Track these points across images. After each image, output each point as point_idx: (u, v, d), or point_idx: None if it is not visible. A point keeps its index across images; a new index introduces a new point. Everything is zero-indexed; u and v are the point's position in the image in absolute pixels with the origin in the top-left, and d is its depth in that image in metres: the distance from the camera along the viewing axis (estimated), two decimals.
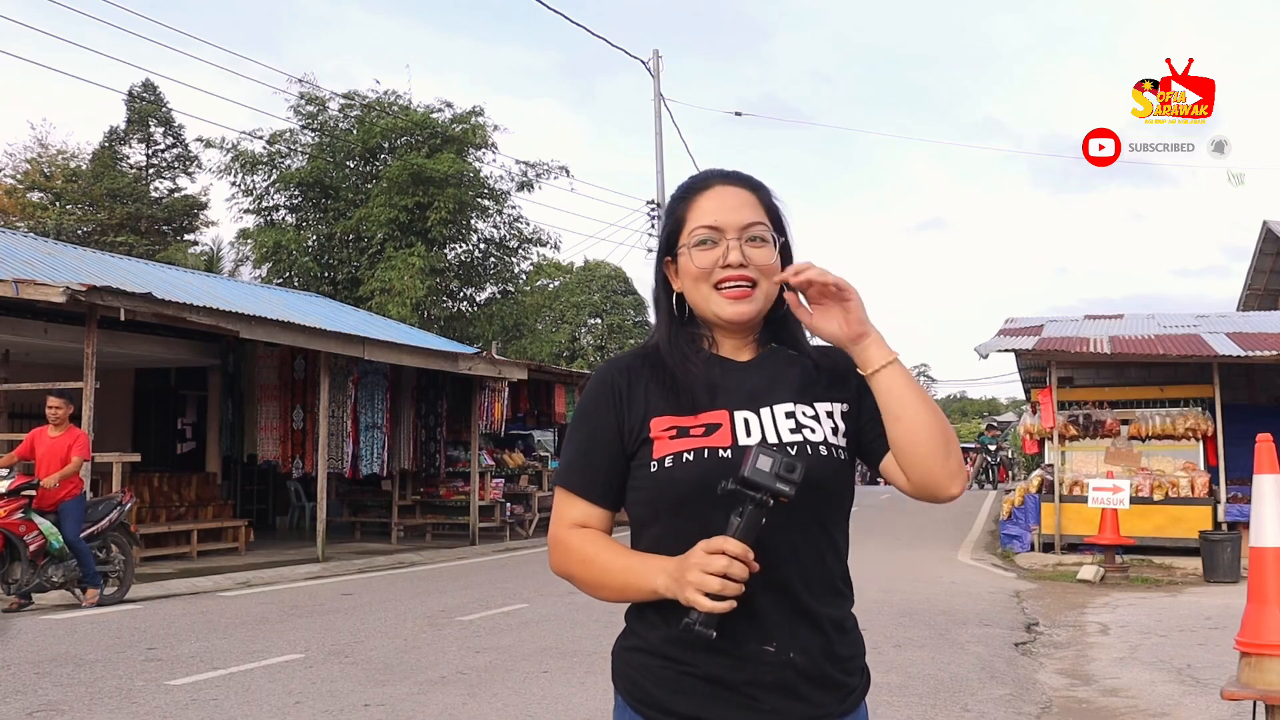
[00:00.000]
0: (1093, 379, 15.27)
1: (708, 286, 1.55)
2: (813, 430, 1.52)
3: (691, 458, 1.49)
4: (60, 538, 8.52)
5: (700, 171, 1.65)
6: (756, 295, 1.54)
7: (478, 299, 27.95)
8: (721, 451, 1.48)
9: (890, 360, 1.47)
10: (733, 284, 1.53)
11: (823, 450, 1.51)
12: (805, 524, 1.48)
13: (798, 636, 1.47)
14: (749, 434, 1.50)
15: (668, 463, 1.50)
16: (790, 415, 1.53)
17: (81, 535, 8.68)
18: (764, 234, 1.56)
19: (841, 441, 1.54)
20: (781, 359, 1.61)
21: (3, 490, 8.29)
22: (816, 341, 1.59)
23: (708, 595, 1.34)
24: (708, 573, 1.34)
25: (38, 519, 8.46)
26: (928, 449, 1.47)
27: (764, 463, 1.35)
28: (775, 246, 1.57)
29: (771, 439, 1.50)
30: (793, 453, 1.47)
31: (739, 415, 1.52)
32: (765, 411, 1.53)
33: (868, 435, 1.56)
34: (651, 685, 1.51)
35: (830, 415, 1.55)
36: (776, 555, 1.44)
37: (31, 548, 8.37)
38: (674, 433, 1.52)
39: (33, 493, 8.46)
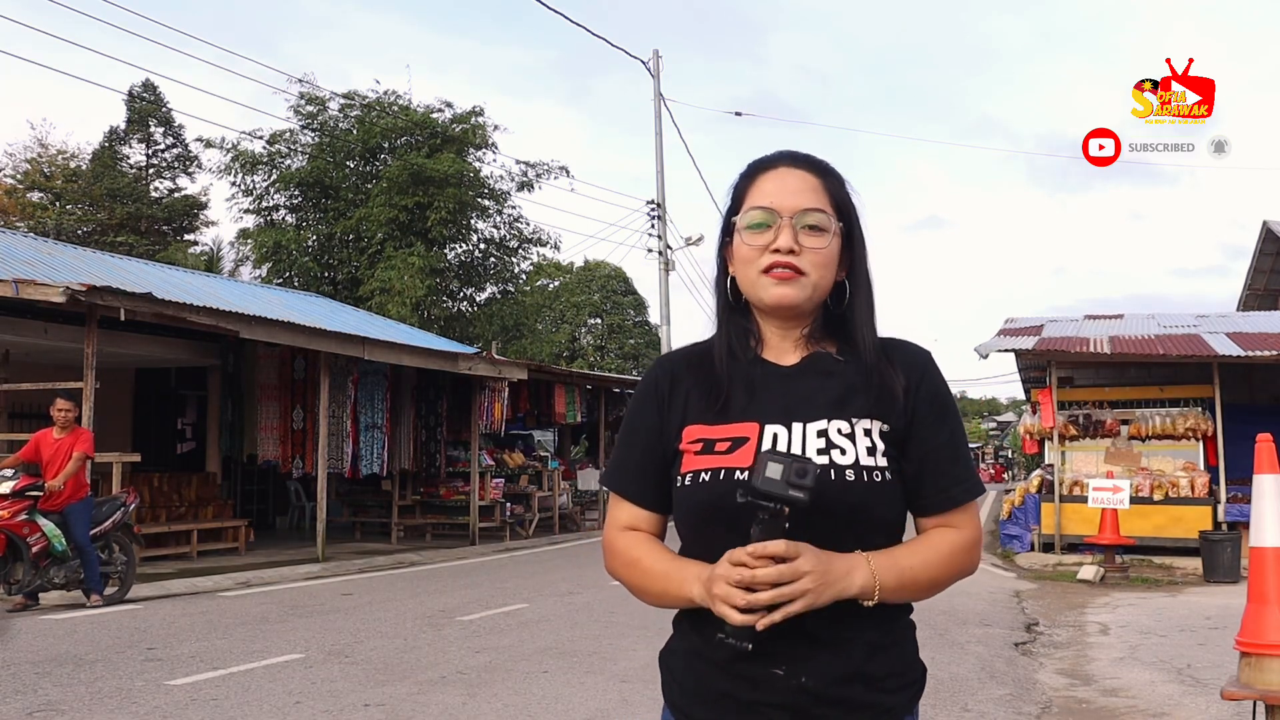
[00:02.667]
0: (1093, 379, 15.28)
1: (755, 270, 1.49)
2: (843, 451, 1.43)
3: (708, 478, 1.45)
4: (63, 540, 8.53)
5: (771, 152, 1.58)
6: (803, 282, 1.48)
7: (478, 299, 27.97)
8: (739, 473, 1.42)
9: (875, 592, 1.40)
10: (778, 268, 1.48)
11: (849, 474, 1.41)
12: (825, 548, 1.41)
13: (813, 660, 1.41)
14: None
15: (688, 480, 1.48)
16: (822, 434, 1.44)
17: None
18: (822, 222, 1.49)
19: (881, 461, 1.44)
20: (827, 364, 1.53)
21: (6, 491, 8.31)
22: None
23: (738, 608, 1.32)
24: (731, 583, 1.32)
25: (42, 520, 8.46)
26: (929, 599, 1.54)
27: (774, 470, 1.30)
28: (834, 236, 1.50)
29: None
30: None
31: (769, 430, 1.46)
32: (798, 427, 1.46)
33: (908, 486, 1.49)
34: (678, 689, 1.51)
35: (868, 433, 1.45)
36: None
37: (34, 549, 8.38)
38: (700, 447, 1.48)
39: (39, 494, 8.47)
